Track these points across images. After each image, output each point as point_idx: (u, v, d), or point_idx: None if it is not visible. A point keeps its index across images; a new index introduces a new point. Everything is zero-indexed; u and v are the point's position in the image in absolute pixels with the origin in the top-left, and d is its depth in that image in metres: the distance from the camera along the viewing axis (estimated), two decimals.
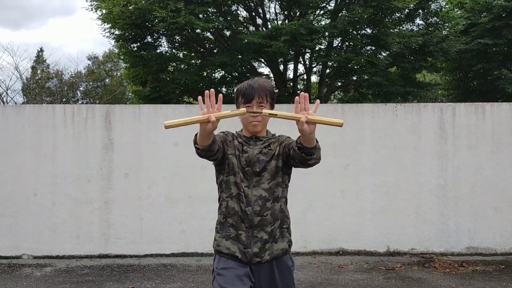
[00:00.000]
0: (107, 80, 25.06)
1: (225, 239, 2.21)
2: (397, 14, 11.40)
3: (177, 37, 12.19)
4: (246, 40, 10.76)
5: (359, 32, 10.92)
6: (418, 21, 12.45)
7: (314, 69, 13.96)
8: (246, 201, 2.18)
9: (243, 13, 12.86)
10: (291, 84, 13.37)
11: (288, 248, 2.28)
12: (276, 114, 2.07)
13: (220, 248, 2.22)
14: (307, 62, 13.09)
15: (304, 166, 2.17)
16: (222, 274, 2.16)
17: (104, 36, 27.91)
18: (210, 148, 2.10)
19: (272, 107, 2.28)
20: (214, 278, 2.21)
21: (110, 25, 11.33)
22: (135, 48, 12.03)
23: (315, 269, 5.31)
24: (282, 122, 6.41)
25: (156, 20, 10.48)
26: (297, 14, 11.97)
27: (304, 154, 2.11)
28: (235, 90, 2.35)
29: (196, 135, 2.13)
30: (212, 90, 1.99)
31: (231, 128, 2.57)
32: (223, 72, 13.17)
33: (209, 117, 1.93)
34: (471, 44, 12.58)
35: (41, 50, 25.88)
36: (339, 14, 11.25)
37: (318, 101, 2.22)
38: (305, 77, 14.19)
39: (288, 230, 2.31)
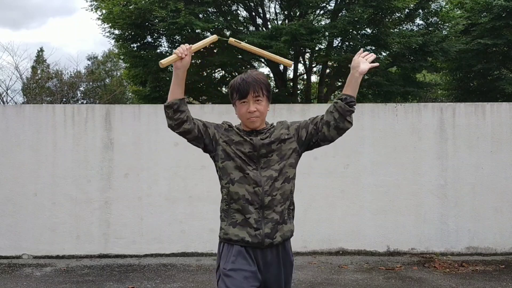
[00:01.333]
0: (107, 80, 25.07)
1: (232, 226, 2.17)
2: (397, 14, 11.39)
3: (177, 37, 12.19)
4: (246, 40, 10.76)
5: (359, 32, 10.91)
6: (418, 21, 12.45)
7: (314, 69, 13.96)
8: (255, 182, 2.15)
9: (243, 13, 12.86)
10: (291, 84, 13.37)
11: (293, 228, 2.32)
12: (240, 43, 2.20)
13: (228, 236, 2.17)
14: (307, 62, 13.09)
15: (336, 132, 2.21)
16: (230, 276, 2.11)
17: (104, 36, 27.95)
18: (179, 108, 2.14)
19: (268, 100, 2.24)
20: (220, 277, 2.16)
21: (110, 25, 11.32)
22: (135, 48, 12.03)
23: (315, 269, 5.31)
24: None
25: (156, 20, 10.47)
26: (297, 14, 11.97)
27: (347, 104, 2.16)
28: (228, 87, 2.28)
29: (166, 102, 2.18)
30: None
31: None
32: (223, 72, 13.17)
33: (182, 50, 2.19)
34: (471, 44, 12.57)
35: (41, 50, 25.89)
36: (339, 14, 11.25)
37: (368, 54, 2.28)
38: (305, 77, 14.19)
39: (294, 210, 2.33)
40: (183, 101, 2.17)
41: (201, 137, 2.20)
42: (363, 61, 2.21)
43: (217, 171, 2.27)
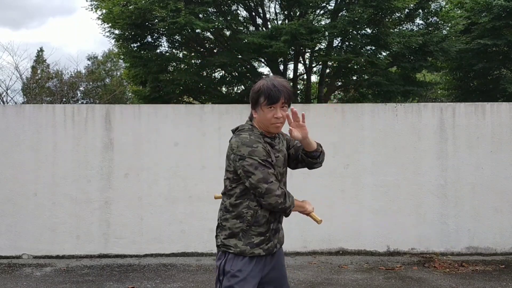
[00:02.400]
0: (107, 80, 25.07)
1: (249, 246, 2.21)
2: (397, 14, 11.38)
3: (177, 37, 12.18)
4: (246, 40, 10.75)
5: (359, 32, 10.90)
6: (418, 21, 12.44)
7: (314, 69, 13.94)
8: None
9: (243, 13, 12.85)
10: (291, 84, 13.36)
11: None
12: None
13: (244, 253, 2.22)
14: (307, 62, 13.08)
15: (308, 168, 2.41)
16: (237, 276, 2.20)
17: (104, 36, 27.96)
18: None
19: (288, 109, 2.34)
20: (225, 277, 2.19)
21: (110, 24, 11.32)
22: (135, 48, 12.02)
23: (315, 269, 5.31)
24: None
25: (156, 20, 10.47)
26: (297, 14, 11.96)
27: (310, 158, 2.32)
28: (255, 89, 2.25)
29: (288, 204, 2.23)
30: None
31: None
32: (223, 72, 13.16)
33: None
34: (471, 44, 12.57)
35: (41, 50, 25.89)
36: (339, 14, 11.24)
37: (295, 110, 2.33)
38: (305, 77, 14.19)
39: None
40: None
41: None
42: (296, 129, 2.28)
43: (236, 189, 2.21)
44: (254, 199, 2.18)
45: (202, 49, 12.85)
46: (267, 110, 2.20)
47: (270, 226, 2.24)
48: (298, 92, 13.95)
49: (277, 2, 12.44)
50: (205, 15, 10.78)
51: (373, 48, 11.25)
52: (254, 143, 2.17)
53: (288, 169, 2.41)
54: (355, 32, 10.73)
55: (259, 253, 2.22)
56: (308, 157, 2.31)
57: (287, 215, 2.26)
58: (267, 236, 2.23)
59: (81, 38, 41.04)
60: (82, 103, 21.24)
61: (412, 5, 10.63)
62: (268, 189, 2.11)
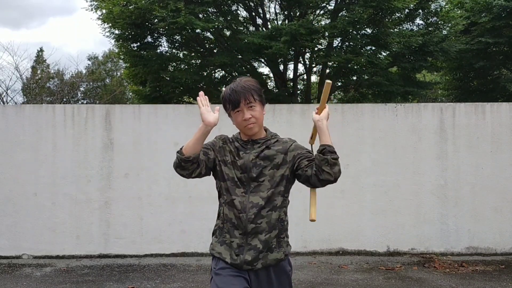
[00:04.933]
0: (107, 80, 25.08)
1: (220, 244, 2.21)
2: (397, 14, 11.39)
3: (177, 37, 12.19)
4: (246, 40, 10.76)
5: (359, 32, 10.91)
6: (418, 21, 12.45)
7: (314, 69, 13.95)
8: (241, 207, 2.14)
9: (243, 13, 12.86)
10: (291, 84, 13.36)
11: (284, 257, 2.22)
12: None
13: (213, 252, 2.23)
14: (307, 62, 13.09)
15: (320, 183, 2.15)
16: (219, 274, 2.17)
17: (104, 35, 27.93)
18: (195, 160, 2.15)
19: (262, 104, 2.22)
20: (212, 278, 2.22)
21: (110, 24, 11.33)
22: (135, 48, 12.03)
23: (315, 269, 5.31)
24: (282, 123, 6.37)
25: (156, 20, 10.47)
26: (297, 14, 11.97)
27: (321, 153, 2.11)
28: (220, 98, 2.26)
29: (181, 151, 2.17)
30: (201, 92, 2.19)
31: (231, 131, 2.55)
32: (223, 72, 13.17)
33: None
34: (472, 43, 12.58)
35: (41, 50, 25.92)
36: (339, 14, 11.25)
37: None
38: (305, 77, 14.19)
39: (285, 239, 2.24)
40: (198, 155, 2.18)
41: (209, 171, 2.25)
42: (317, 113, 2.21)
43: (216, 187, 2.30)
44: (223, 196, 2.22)
45: (202, 49, 12.85)
46: (235, 115, 2.18)
47: (234, 232, 2.15)
48: (298, 92, 13.96)
49: (277, 2, 12.45)
50: (205, 15, 10.78)
51: (373, 48, 11.26)
52: (216, 137, 2.31)
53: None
54: (355, 32, 10.74)
55: (224, 258, 2.15)
56: (321, 151, 2.10)
57: (186, 161, 2.13)
58: (232, 241, 2.15)
59: (81, 38, 41.07)
60: (82, 103, 21.25)
61: (412, 5, 10.64)
62: None
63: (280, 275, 2.22)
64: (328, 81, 2.17)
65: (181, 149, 2.16)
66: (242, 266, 2.14)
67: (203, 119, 2.15)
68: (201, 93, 2.21)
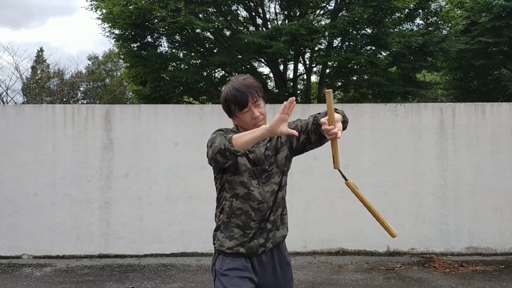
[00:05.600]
0: (107, 80, 25.08)
1: (228, 239, 2.18)
2: (397, 14, 11.40)
3: (177, 37, 12.19)
4: (246, 40, 10.76)
5: (359, 32, 10.91)
6: (418, 21, 12.46)
7: (314, 69, 13.96)
8: (261, 198, 2.15)
9: (243, 13, 12.86)
10: (291, 84, 13.37)
11: (287, 233, 2.31)
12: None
13: (223, 248, 2.18)
14: (307, 62, 13.09)
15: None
16: (226, 275, 2.14)
17: (104, 35, 27.97)
18: (240, 155, 2.02)
19: (264, 100, 2.22)
20: (216, 277, 2.18)
21: (110, 24, 11.33)
22: (135, 48, 12.03)
23: (315, 269, 5.31)
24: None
25: (156, 20, 10.48)
26: (297, 14, 11.97)
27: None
28: (222, 100, 2.20)
29: (231, 141, 1.97)
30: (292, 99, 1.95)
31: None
32: (223, 72, 13.17)
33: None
34: (472, 43, 12.58)
35: (41, 50, 25.93)
36: (339, 14, 11.25)
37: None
38: (305, 77, 14.19)
39: (286, 215, 2.32)
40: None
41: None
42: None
43: (218, 181, 2.23)
44: (228, 190, 2.18)
45: (202, 49, 12.85)
46: (243, 115, 2.15)
47: (250, 224, 2.15)
48: (298, 92, 13.95)
49: (277, 2, 12.45)
50: (205, 15, 10.78)
51: (373, 48, 11.26)
52: (222, 130, 2.21)
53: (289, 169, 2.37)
54: (355, 32, 10.73)
55: (237, 250, 2.15)
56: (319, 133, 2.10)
57: (232, 154, 1.97)
58: (247, 233, 2.15)
59: (81, 38, 41.08)
60: (82, 103, 21.25)
61: (412, 5, 10.64)
62: (211, 140, 2.08)
63: (283, 265, 2.27)
64: (327, 90, 2.13)
65: (230, 138, 2.00)
66: (258, 250, 2.17)
67: (274, 125, 1.91)
68: (293, 101, 1.95)
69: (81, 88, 22.42)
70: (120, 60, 18.63)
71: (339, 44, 11.89)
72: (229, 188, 2.18)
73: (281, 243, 2.28)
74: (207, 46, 12.92)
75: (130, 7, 10.35)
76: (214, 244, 2.25)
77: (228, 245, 2.17)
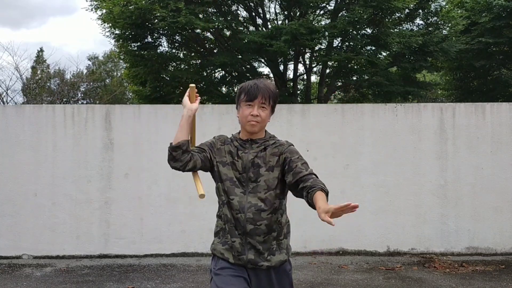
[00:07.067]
0: (107, 80, 25.08)
1: (221, 244, 2.22)
2: (397, 14, 11.41)
3: (177, 37, 12.20)
4: (246, 40, 10.77)
5: (359, 32, 10.92)
6: (418, 21, 12.47)
7: (314, 69, 13.96)
8: (239, 207, 2.15)
9: (243, 13, 12.87)
10: (291, 84, 13.37)
11: (287, 257, 2.25)
12: None
13: (215, 252, 2.24)
14: (307, 62, 13.09)
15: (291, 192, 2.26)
16: (219, 274, 2.17)
17: (104, 35, 27.93)
18: (187, 148, 2.25)
19: (272, 111, 2.26)
20: (212, 278, 2.22)
21: (110, 24, 11.34)
22: (135, 48, 12.04)
23: (315, 269, 5.31)
24: (282, 123, 6.38)
25: (156, 20, 10.48)
26: (297, 14, 11.97)
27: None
28: (238, 88, 2.31)
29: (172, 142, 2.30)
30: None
31: (231, 131, 2.55)
32: (223, 72, 13.18)
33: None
34: (472, 43, 12.58)
35: (41, 50, 25.93)
36: (339, 14, 11.26)
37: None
38: (305, 77, 14.20)
39: (285, 241, 2.26)
40: (188, 141, 2.26)
41: (204, 166, 2.27)
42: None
43: (215, 188, 2.31)
44: (219, 197, 2.25)
45: (202, 49, 12.85)
46: (245, 107, 2.20)
47: (235, 232, 2.15)
48: (298, 92, 13.96)
49: (277, 2, 12.45)
50: (205, 15, 10.78)
51: (373, 48, 11.26)
52: (214, 137, 2.34)
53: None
54: (355, 32, 10.74)
55: (227, 258, 2.16)
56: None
57: (173, 151, 2.30)
58: (233, 240, 2.16)
59: (81, 38, 41.09)
60: (82, 103, 21.25)
61: (412, 5, 10.65)
62: None
63: (280, 275, 2.23)
64: (191, 85, 2.38)
65: (170, 143, 2.26)
66: (246, 265, 2.16)
67: (185, 103, 2.34)
68: (193, 87, 2.36)
69: (81, 88, 22.41)
70: (120, 60, 18.63)
71: (339, 44, 11.90)
72: (219, 195, 2.27)
73: (281, 267, 2.22)
74: (207, 46, 12.92)
75: (130, 7, 10.36)
76: (210, 249, 2.31)
77: (220, 249, 2.21)
